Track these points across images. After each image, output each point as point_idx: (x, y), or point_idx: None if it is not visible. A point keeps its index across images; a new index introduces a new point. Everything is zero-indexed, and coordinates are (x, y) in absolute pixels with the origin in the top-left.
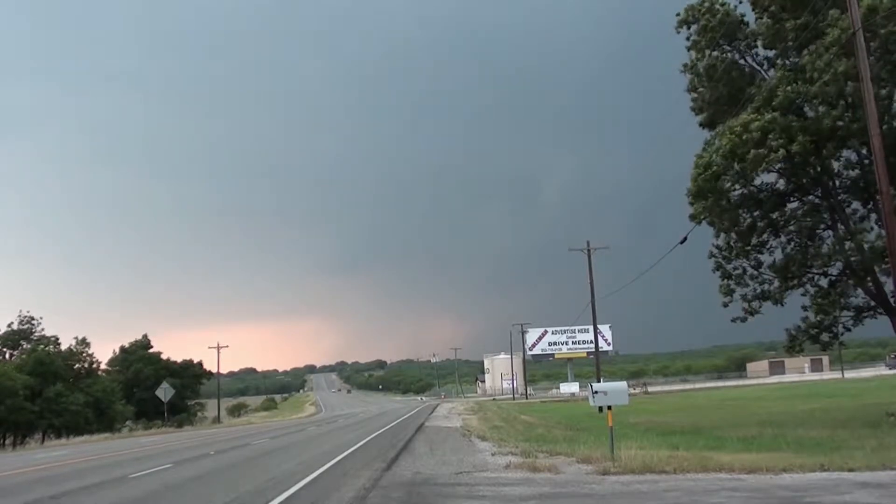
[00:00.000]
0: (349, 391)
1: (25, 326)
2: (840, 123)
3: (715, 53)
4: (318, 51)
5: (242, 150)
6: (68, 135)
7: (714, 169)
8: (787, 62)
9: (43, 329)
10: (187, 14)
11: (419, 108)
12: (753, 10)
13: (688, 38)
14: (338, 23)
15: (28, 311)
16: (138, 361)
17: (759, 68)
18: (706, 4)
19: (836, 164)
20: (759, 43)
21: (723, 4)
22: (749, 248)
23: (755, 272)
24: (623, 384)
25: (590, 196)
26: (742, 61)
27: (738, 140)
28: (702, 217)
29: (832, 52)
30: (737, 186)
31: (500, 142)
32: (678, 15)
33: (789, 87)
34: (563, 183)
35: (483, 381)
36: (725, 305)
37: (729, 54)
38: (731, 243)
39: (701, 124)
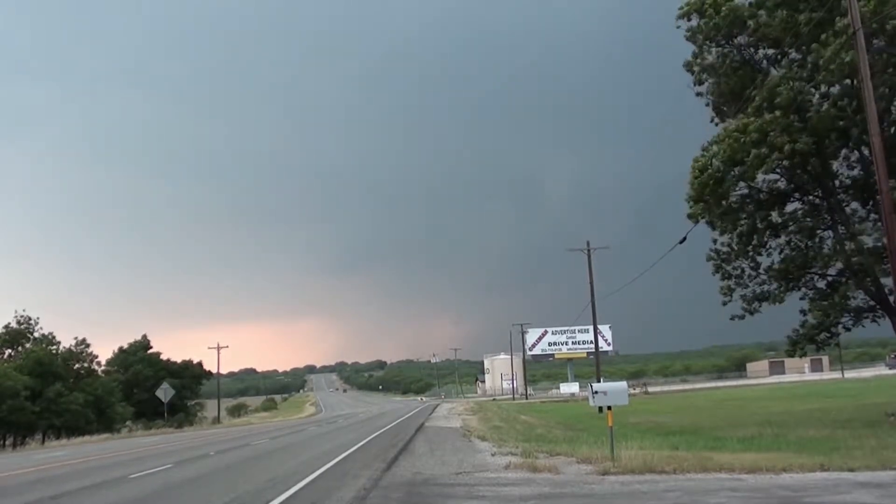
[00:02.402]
0: (345, 391)
1: (23, 326)
2: (841, 123)
3: (717, 49)
4: (319, 50)
5: (243, 149)
6: (68, 135)
7: (710, 172)
8: (794, 54)
9: (41, 328)
10: (187, 14)
11: (420, 107)
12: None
13: (688, 31)
14: (338, 22)
15: (24, 310)
16: (138, 362)
17: (760, 65)
18: None
19: (835, 164)
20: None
21: None
22: (749, 249)
23: (754, 273)
24: (623, 384)
25: (590, 195)
26: (743, 57)
27: (736, 144)
28: (699, 216)
29: (840, 41)
30: (737, 188)
31: (501, 142)
32: (680, 8)
33: (792, 84)
34: (563, 182)
35: (483, 382)
36: (724, 304)
37: (732, 51)
38: (731, 245)
39: (712, 119)
